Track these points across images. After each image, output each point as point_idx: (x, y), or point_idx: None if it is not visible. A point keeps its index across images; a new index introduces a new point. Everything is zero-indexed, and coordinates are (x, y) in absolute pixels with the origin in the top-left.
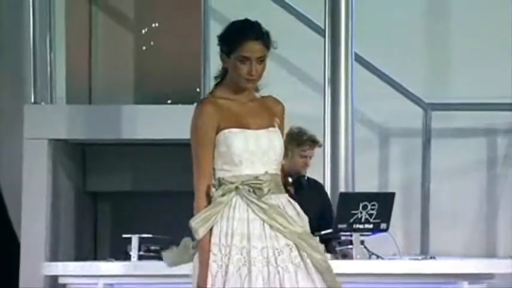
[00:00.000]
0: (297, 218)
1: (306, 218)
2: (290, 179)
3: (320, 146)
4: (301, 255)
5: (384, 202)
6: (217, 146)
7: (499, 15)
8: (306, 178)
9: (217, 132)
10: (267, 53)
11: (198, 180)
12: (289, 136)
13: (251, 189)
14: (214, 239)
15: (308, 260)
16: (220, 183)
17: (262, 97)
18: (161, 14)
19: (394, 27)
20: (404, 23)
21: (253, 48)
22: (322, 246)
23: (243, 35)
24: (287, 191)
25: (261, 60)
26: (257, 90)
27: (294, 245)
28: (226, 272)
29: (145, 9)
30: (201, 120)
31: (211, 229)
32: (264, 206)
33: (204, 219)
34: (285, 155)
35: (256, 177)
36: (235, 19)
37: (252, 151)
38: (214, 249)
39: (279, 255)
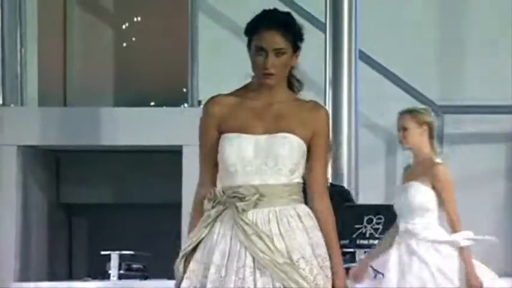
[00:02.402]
0: (279, 240)
1: (294, 240)
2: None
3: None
4: (272, 283)
5: (391, 215)
6: (218, 152)
7: None
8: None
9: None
10: (289, 45)
11: (197, 188)
12: None
13: (234, 204)
14: (196, 256)
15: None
16: (214, 193)
17: (303, 101)
18: (144, 7)
19: (404, 23)
20: (415, 18)
21: (269, 38)
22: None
23: (259, 23)
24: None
25: (280, 53)
26: (292, 89)
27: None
28: None
29: (126, 2)
30: (202, 120)
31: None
32: (244, 225)
33: (191, 235)
34: None
35: (237, 191)
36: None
37: (245, 158)
38: (193, 265)
39: (260, 276)
